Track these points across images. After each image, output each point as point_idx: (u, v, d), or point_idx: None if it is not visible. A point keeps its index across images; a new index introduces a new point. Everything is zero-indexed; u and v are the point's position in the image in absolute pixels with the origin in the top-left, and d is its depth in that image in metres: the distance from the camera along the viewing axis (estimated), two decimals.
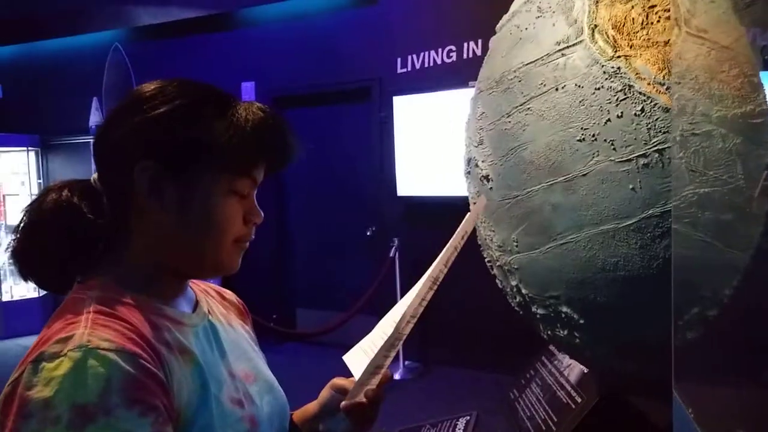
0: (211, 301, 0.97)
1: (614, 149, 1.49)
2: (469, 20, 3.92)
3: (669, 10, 1.46)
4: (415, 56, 4.15)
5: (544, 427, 3.10)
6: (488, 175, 1.95)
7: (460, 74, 3.90)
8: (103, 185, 0.82)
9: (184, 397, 0.74)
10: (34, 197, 0.83)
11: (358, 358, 1.05)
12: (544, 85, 1.68)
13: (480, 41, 3.88)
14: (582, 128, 1.55)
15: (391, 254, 4.24)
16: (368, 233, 4.57)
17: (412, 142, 4.20)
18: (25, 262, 0.80)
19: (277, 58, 4.67)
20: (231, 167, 0.79)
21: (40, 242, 0.79)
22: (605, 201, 1.52)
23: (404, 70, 4.20)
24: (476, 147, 2.07)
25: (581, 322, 1.73)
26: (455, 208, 3.99)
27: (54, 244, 0.79)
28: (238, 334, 0.96)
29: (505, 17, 2.18)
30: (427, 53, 4.11)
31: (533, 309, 1.93)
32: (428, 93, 4.03)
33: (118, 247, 0.81)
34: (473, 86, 3.75)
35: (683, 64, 1.47)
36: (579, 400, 3.05)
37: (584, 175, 1.55)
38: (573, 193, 1.58)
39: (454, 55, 4.01)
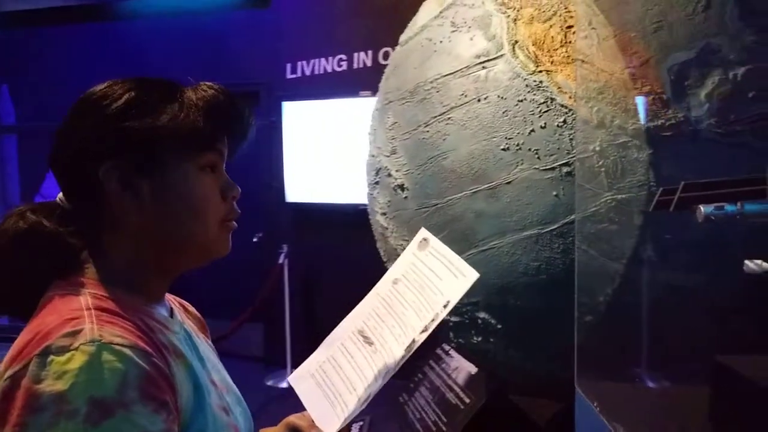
0: (180, 312, 0.95)
1: (538, 158, 1.57)
2: (361, 31, 3.96)
3: (584, 31, 1.57)
4: (305, 63, 4.13)
5: (434, 428, 3.18)
6: (403, 184, 1.97)
7: (351, 84, 3.93)
8: (71, 199, 0.81)
9: (184, 398, 0.73)
10: None
11: (310, 390, 1.04)
12: (466, 96, 1.73)
13: (370, 52, 3.94)
14: (506, 138, 1.62)
15: (280, 261, 4.17)
16: (255, 239, 4.46)
17: (302, 149, 4.16)
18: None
19: (157, 55, 4.43)
20: (194, 144, 0.79)
21: (12, 272, 0.77)
22: (529, 207, 1.59)
23: (294, 75, 4.16)
24: (388, 157, 2.08)
25: (498, 327, 1.80)
26: (345, 215, 4.04)
27: (29, 270, 0.77)
28: (205, 346, 0.95)
29: (412, 30, 2.22)
30: (317, 61, 4.10)
31: (446, 317, 1.98)
32: (318, 100, 4.02)
33: (98, 250, 0.79)
34: (365, 96, 3.83)
35: (580, 83, 1.59)
36: (468, 400, 3.17)
37: (509, 182, 1.62)
38: (497, 200, 1.65)
39: (344, 64, 4.04)
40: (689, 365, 1.50)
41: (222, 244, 0.85)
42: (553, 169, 1.56)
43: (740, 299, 1.45)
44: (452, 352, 2.66)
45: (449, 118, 1.76)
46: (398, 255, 2.14)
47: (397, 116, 2.04)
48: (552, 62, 1.60)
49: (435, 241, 1.10)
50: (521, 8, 1.71)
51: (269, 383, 4.22)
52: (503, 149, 1.63)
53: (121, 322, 0.70)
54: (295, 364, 4.47)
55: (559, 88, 1.57)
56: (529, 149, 1.59)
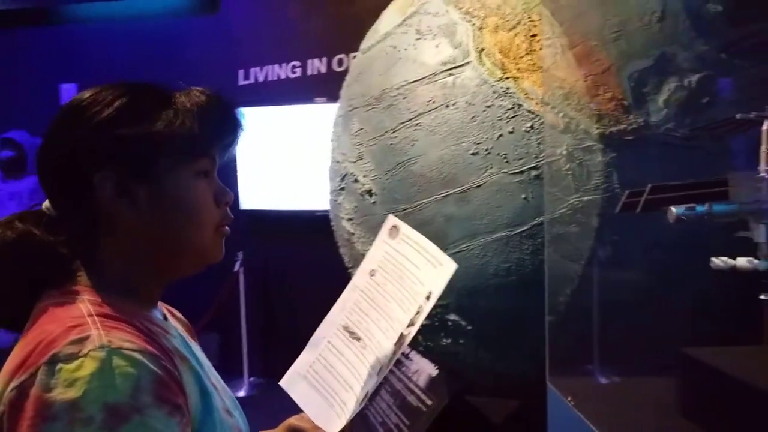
0: (168, 315, 0.94)
1: (507, 162, 1.62)
2: (314, 38, 3.96)
3: (549, 39, 1.63)
4: (258, 69, 4.10)
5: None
6: (371, 190, 1.99)
7: (305, 90, 3.92)
8: (59, 207, 0.79)
9: (192, 402, 0.73)
10: None
11: (305, 392, 1.04)
12: (434, 102, 1.77)
13: (325, 59, 3.94)
14: (475, 143, 1.66)
15: (236, 269, 4.11)
16: None
17: (256, 156, 4.12)
18: None
19: (105, 61, 4.30)
20: (190, 151, 0.80)
21: (2, 282, 0.76)
22: (499, 210, 1.64)
23: (247, 82, 4.12)
24: (354, 162, 2.09)
25: (469, 328, 1.83)
26: (301, 221, 4.02)
27: (19, 280, 0.76)
28: (198, 350, 0.94)
29: (374, 38, 2.24)
30: (270, 67, 4.07)
31: None
32: (272, 106, 3.99)
33: (91, 258, 0.78)
34: (320, 102, 3.83)
35: (545, 90, 1.66)
36: (429, 403, 3.21)
37: (478, 186, 1.66)
38: (467, 203, 1.69)
39: (298, 71, 4.03)
40: (657, 359, 1.57)
41: (217, 249, 0.86)
42: (522, 172, 1.61)
43: (703, 295, 1.53)
44: (412, 355, 2.69)
45: (417, 123, 1.80)
46: None
47: (362, 122, 2.06)
48: (518, 69, 1.65)
49: (406, 228, 1.06)
50: (486, 17, 1.76)
51: None
52: (472, 154, 1.67)
53: (126, 327, 0.70)
54: (253, 373, 4.40)
55: (525, 94, 1.62)
56: (498, 154, 1.64)
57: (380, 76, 2.02)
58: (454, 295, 1.79)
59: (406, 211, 1.84)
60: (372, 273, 1.07)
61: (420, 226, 1.81)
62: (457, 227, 1.72)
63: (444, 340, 1.94)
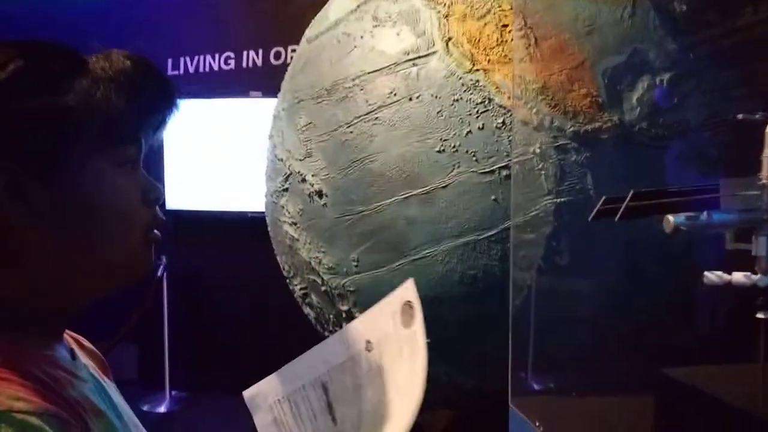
0: (76, 349, 0.75)
1: (476, 161, 1.50)
2: (249, 29, 3.77)
3: (521, 30, 1.52)
4: (188, 59, 3.85)
5: None
6: (321, 191, 1.83)
7: (240, 83, 3.72)
8: None
9: None
10: None
11: (268, 425, 0.91)
12: (395, 95, 1.63)
13: (261, 51, 3.75)
14: (442, 139, 1.54)
15: (159, 274, 3.84)
16: None
17: (184, 151, 3.87)
18: None
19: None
20: (114, 133, 0.62)
21: None
22: (467, 213, 1.52)
23: (176, 72, 3.86)
24: (301, 161, 1.93)
25: (427, 341, 1.70)
26: (232, 223, 3.80)
27: None
28: (114, 391, 0.76)
29: (323, 25, 2.08)
30: (202, 57, 3.84)
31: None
32: (204, 99, 3.76)
33: None
34: (255, 96, 3.63)
35: (518, 84, 1.56)
36: None
37: (444, 186, 1.53)
38: (431, 205, 1.56)
39: (232, 62, 3.81)
40: (628, 376, 1.50)
41: (147, 260, 0.69)
42: (492, 172, 1.50)
43: (679, 307, 1.46)
44: None
45: (376, 117, 1.65)
46: (311, 269, 1.99)
47: (311, 116, 1.89)
48: (489, 61, 1.53)
49: (419, 318, 0.91)
50: (452, 4, 1.64)
51: (145, 408, 3.87)
52: (438, 151, 1.54)
53: (19, 378, 0.53)
54: (175, 387, 4.13)
55: (497, 87, 1.51)
56: (467, 151, 1.52)
57: (332, 65, 1.86)
58: None
59: (362, 213, 1.69)
60: (368, 346, 0.91)
61: (377, 231, 1.67)
62: (420, 231, 1.58)
63: None
